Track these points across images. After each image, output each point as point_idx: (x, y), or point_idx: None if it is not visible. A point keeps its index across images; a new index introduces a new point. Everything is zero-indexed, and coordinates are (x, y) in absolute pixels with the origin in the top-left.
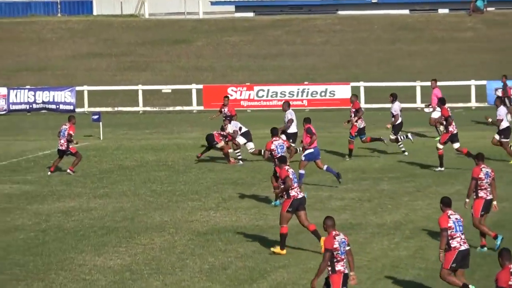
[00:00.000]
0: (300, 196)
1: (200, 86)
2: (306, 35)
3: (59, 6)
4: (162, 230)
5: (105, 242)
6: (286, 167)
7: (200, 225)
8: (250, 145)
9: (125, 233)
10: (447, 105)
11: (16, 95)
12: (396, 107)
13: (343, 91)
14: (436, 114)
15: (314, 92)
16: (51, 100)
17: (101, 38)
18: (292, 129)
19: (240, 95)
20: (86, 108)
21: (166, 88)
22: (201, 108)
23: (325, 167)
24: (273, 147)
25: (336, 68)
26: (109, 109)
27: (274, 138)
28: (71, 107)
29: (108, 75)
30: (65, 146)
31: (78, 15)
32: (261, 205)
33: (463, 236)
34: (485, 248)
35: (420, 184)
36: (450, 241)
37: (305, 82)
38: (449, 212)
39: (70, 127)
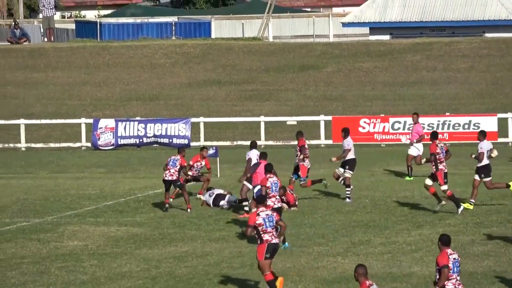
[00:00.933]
0: (274, 241)
1: (329, 118)
2: (448, 60)
3: (173, 28)
4: (284, 277)
5: None
6: (260, 209)
7: (326, 273)
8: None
9: (244, 281)
10: None
11: (125, 128)
12: (349, 142)
13: (489, 123)
14: (413, 150)
15: (457, 124)
16: (163, 133)
17: (219, 63)
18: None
19: (374, 127)
20: (202, 142)
21: (291, 120)
22: (330, 142)
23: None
24: (268, 184)
25: (482, 97)
26: (227, 143)
27: (268, 175)
28: (186, 141)
29: (227, 105)
30: (176, 175)
31: (194, 38)
32: (394, 250)
33: (458, 278)
34: None
35: None
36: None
37: (447, 113)
38: (449, 251)
39: (181, 159)
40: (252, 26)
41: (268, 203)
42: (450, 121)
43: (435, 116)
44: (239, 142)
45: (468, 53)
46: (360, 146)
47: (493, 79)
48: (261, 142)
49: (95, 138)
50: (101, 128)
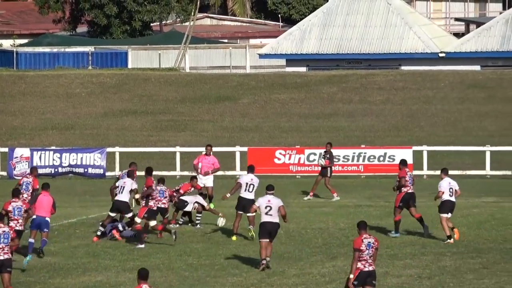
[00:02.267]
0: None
1: (245, 149)
2: (364, 92)
3: (90, 58)
4: None
5: None
6: (364, 236)
7: None
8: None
9: None
10: None
11: (40, 157)
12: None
13: (404, 156)
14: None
15: (372, 157)
16: (78, 163)
17: (136, 94)
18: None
19: (289, 159)
20: (117, 172)
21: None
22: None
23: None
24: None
25: (397, 129)
26: (143, 173)
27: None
28: (101, 171)
29: (142, 135)
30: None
31: (111, 68)
32: (308, 281)
33: (369, 259)
34: None
35: (487, 261)
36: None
37: (362, 145)
38: (364, 235)
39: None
40: (169, 57)
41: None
42: (365, 153)
43: (350, 148)
44: (155, 172)
45: (384, 86)
46: (275, 177)
47: (408, 112)
48: (177, 172)
49: (11, 167)
50: (17, 157)
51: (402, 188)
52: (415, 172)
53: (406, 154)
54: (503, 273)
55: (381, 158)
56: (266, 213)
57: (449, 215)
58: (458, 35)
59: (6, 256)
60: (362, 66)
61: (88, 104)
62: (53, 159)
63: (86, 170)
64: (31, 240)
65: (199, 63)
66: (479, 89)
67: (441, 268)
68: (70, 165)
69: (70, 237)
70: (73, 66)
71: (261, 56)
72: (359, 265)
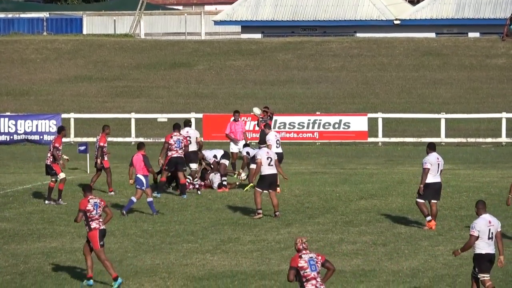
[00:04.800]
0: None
1: (200, 115)
2: (319, 59)
3: (45, 24)
4: (153, 274)
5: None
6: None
7: (195, 270)
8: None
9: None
10: None
11: None
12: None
13: (359, 123)
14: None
15: (327, 124)
16: (34, 130)
17: (91, 60)
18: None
19: (244, 125)
20: (72, 138)
21: (162, 117)
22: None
23: (149, 199)
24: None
25: (352, 97)
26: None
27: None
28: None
29: (97, 102)
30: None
31: (66, 34)
32: (263, 248)
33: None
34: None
35: (442, 228)
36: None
37: (317, 112)
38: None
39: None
40: (123, 23)
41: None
42: (320, 120)
43: (305, 115)
44: (110, 139)
45: (339, 53)
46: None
47: (363, 79)
48: (132, 138)
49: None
50: None
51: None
52: (370, 139)
53: (361, 121)
54: (457, 240)
55: (336, 125)
56: (269, 164)
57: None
58: (413, 2)
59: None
60: (317, 33)
61: (43, 70)
62: (9, 126)
63: (41, 137)
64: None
65: (154, 29)
66: (434, 56)
67: (396, 235)
68: (25, 132)
69: (25, 203)
70: (28, 32)
71: (216, 22)
72: None
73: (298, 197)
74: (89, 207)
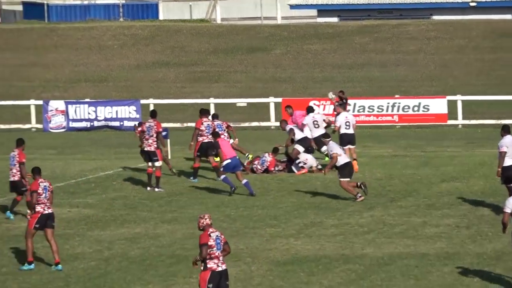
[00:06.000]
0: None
1: (279, 100)
2: (396, 42)
3: (121, 10)
4: (237, 259)
5: (174, 272)
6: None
7: (279, 254)
8: None
9: None
10: None
11: (75, 111)
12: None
13: (438, 106)
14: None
15: (406, 107)
16: (114, 116)
17: (168, 45)
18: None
19: (323, 109)
20: None
21: (241, 102)
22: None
23: (244, 181)
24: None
25: (431, 79)
26: (177, 124)
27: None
28: (136, 124)
29: (176, 87)
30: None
31: (142, 20)
32: (346, 231)
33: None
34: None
35: None
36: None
37: (396, 95)
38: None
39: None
40: (200, 8)
41: None
42: (399, 103)
43: (384, 98)
44: (189, 124)
45: (416, 36)
46: None
47: (441, 61)
48: None
49: (46, 120)
50: (52, 110)
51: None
52: (450, 122)
53: (441, 103)
54: None
55: (416, 108)
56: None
57: None
58: None
59: (49, 211)
60: (393, 16)
61: (120, 56)
62: (88, 113)
63: (121, 123)
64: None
65: (230, 14)
66: (511, 38)
67: (479, 217)
68: (105, 119)
69: (107, 189)
70: (104, 18)
71: (292, 6)
72: None
73: (380, 180)
74: (40, 190)
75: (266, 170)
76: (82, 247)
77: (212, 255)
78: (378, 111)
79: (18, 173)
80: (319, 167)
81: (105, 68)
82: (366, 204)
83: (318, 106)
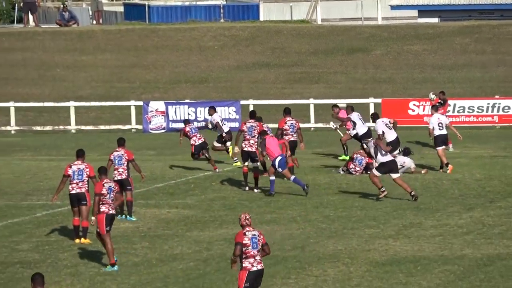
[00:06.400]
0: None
1: (379, 100)
2: (497, 43)
3: (221, 11)
4: (336, 260)
5: (273, 273)
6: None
7: (378, 255)
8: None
9: (295, 263)
10: None
11: (175, 111)
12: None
13: None
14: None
15: (506, 107)
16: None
17: (268, 46)
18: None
19: (423, 110)
20: None
21: (341, 102)
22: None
23: (292, 177)
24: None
25: None
26: (277, 125)
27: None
28: (237, 124)
29: (276, 88)
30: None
31: (243, 21)
32: (445, 232)
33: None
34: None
35: None
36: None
37: (496, 96)
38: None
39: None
40: (300, 9)
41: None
42: (499, 103)
43: (484, 99)
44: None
45: None
46: (410, 128)
47: None
48: (311, 124)
49: (146, 121)
50: (152, 111)
51: None
52: None
53: None
54: None
55: None
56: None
57: None
58: None
59: (113, 212)
60: (494, 16)
61: (221, 57)
62: (188, 113)
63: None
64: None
65: (331, 15)
66: None
67: None
68: (205, 119)
69: (206, 190)
70: (205, 19)
71: (393, 7)
72: None
73: (479, 181)
74: (104, 191)
75: (366, 169)
76: (181, 248)
77: (247, 254)
78: (478, 112)
79: (125, 171)
80: (424, 170)
81: (205, 69)
82: (465, 205)
83: (418, 106)
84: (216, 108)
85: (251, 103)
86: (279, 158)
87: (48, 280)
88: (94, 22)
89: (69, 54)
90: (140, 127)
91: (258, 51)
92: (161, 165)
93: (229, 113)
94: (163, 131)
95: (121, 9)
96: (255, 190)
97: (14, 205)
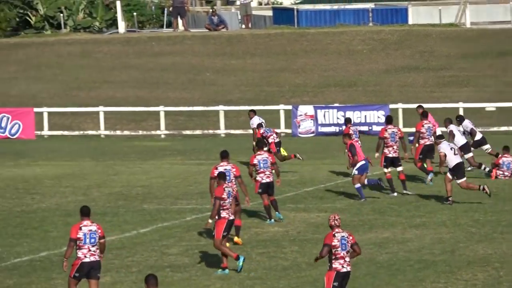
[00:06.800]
0: (231, 218)
1: None
2: None
3: (370, 15)
4: (486, 264)
5: (422, 278)
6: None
7: None
8: None
9: (444, 267)
10: None
11: (324, 115)
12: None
13: None
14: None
15: None
16: (362, 121)
17: (417, 50)
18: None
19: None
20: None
21: (490, 106)
22: None
23: (366, 180)
24: (255, 161)
25: None
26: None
27: (258, 152)
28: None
29: (425, 92)
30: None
31: (391, 24)
32: None
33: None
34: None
35: None
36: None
37: None
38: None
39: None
40: (449, 12)
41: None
42: None
43: None
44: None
45: None
46: None
47: None
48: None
49: (295, 125)
50: (301, 115)
51: None
52: None
53: None
54: None
55: None
56: (454, 154)
57: None
58: None
59: (233, 217)
60: None
61: (369, 61)
62: (337, 117)
63: (370, 128)
64: (358, 185)
65: (480, 18)
66: None
67: None
68: (354, 124)
69: (355, 194)
70: (353, 23)
71: None
72: None
73: None
74: (224, 195)
75: None
76: None
77: (337, 256)
78: None
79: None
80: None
81: (354, 73)
82: None
83: None
84: (366, 112)
85: (400, 107)
86: (363, 162)
87: (197, 284)
88: (243, 26)
89: (218, 58)
90: (289, 131)
91: (407, 54)
92: (311, 169)
93: (378, 117)
94: (312, 135)
95: (269, 13)
96: (404, 191)
97: (164, 209)
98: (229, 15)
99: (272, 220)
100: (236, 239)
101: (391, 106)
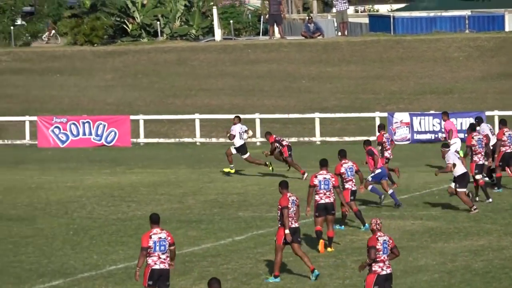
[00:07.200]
0: (293, 226)
1: None
2: None
3: (466, 22)
4: None
5: None
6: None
7: None
8: None
9: None
10: None
11: (419, 123)
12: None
13: None
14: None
15: None
16: (458, 128)
17: None
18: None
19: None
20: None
21: None
22: None
23: (390, 191)
24: (342, 170)
25: None
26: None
27: (343, 161)
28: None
29: None
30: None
31: (488, 31)
32: None
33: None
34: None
35: None
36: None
37: None
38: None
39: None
40: None
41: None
42: None
43: None
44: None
45: None
46: None
47: None
48: None
49: (391, 132)
50: (397, 122)
51: None
52: None
53: None
54: None
55: None
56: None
57: None
58: None
59: (296, 225)
60: None
61: (466, 68)
62: (433, 125)
63: (465, 135)
64: (370, 186)
65: None
66: None
67: None
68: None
69: (451, 201)
70: (450, 30)
71: None
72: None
73: None
74: (289, 204)
75: None
76: (425, 259)
77: (377, 259)
78: None
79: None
80: None
81: (450, 80)
82: None
83: None
84: (461, 119)
85: (496, 114)
86: (379, 170)
87: None
88: (339, 33)
89: (314, 66)
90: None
91: (504, 61)
92: (406, 176)
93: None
94: (407, 142)
95: (366, 20)
96: (495, 189)
97: (259, 217)
98: (325, 23)
99: (367, 225)
100: (328, 249)
101: (487, 113)
